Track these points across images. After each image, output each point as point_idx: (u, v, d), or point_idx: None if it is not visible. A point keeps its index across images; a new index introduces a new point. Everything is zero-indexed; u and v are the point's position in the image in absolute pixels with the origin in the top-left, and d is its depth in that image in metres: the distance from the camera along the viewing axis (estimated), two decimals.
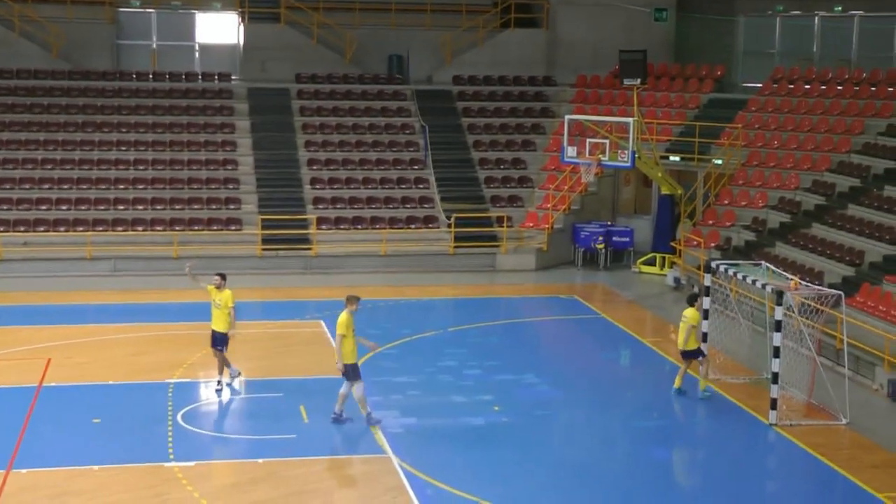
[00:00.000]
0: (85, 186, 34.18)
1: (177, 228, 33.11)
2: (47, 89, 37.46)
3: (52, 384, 21.55)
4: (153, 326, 26.40)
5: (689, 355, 21.43)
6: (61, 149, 35.37)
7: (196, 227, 33.35)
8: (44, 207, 33.24)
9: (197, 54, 41.90)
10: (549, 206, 34.83)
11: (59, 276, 30.99)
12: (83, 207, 33.46)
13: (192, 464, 17.44)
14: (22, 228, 32.36)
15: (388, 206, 35.13)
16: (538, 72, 41.23)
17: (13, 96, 36.94)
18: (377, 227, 34.21)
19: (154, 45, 41.49)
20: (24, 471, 16.97)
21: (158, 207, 33.93)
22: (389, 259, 33.18)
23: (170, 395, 20.84)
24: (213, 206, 34.36)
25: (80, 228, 32.62)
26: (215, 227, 33.53)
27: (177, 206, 34.08)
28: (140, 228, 33.07)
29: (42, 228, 32.53)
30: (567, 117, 34.48)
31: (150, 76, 39.25)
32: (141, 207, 33.79)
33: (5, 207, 32.97)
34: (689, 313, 21.22)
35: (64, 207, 33.34)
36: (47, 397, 20.77)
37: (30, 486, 16.47)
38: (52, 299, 29.20)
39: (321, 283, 31.22)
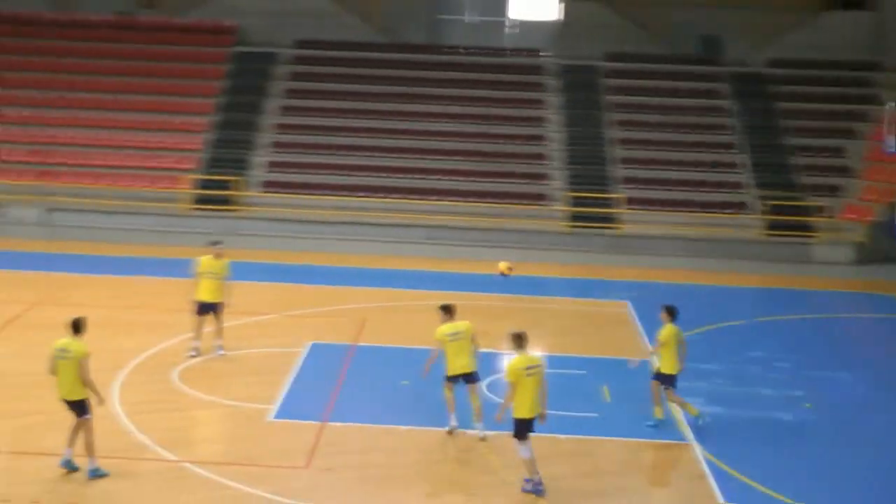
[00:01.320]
0: (402, 156, 35.25)
1: (488, 201, 33.66)
2: (369, 61, 38.80)
3: (366, 344, 22.40)
4: (463, 295, 26.95)
5: None
6: (381, 118, 36.58)
7: (506, 201, 33.81)
8: (363, 174, 34.50)
9: (509, 30, 42.40)
10: (871, 198, 33.27)
11: (375, 241, 32.17)
12: (399, 176, 34.52)
13: (493, 433, 17.65)
14: (343, 193, 33.72)
15: (698, 189, 34.51)
16: (862, 56, 39.40)
17: (339, 67, 38.47)
18: (685, 209, 33.68)
19: (470, 20, 42.25)
20: (337, 424, 17.68)
21: (472, 179, 34.56)
22: (696, 243, 32.59)
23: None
24: (523, 181, 34.73)
25: (396, 196, 33.70)
26: (524, 202, 33.88)
27: (489, 180, 34.63)
28: (453, 199, 33.80)
29: (362, 194, 33.78)
30: (890, 104, 32.80)
31: (465, 50, 40.00)
32: (455, 178, 34.52)
33: (328, 173, 34.44)
34: None
35: (382, 175, 34.49)
36: (361, 356, 21.60)
37: (341, 438, 17.14)
38: (369, 263, 30.45)
39: (626, 264, 31.06)
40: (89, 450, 15.25)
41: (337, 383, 19.79)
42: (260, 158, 34.86)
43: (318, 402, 18.65)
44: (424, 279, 29.07)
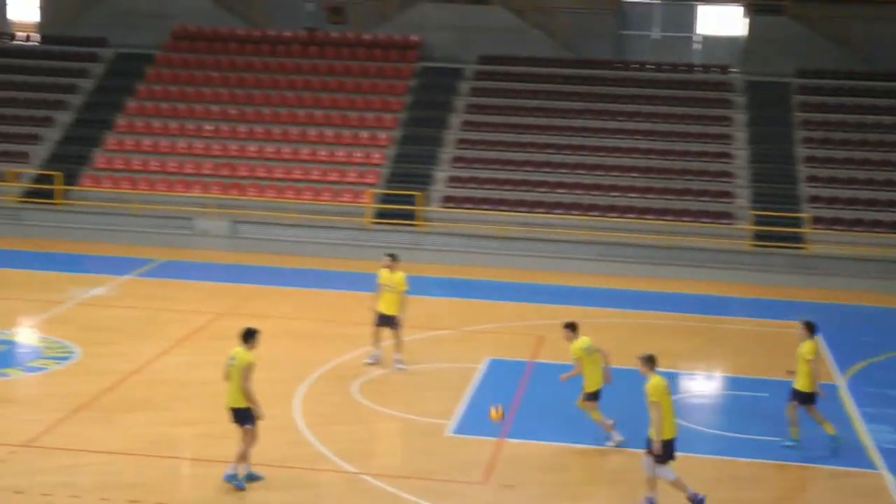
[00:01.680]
0: (581, 172, 35.10)
1: (667, 218, 33.25)
2: (551, 77, 38.79)
3: (544, 361, 22.34)
4: (641, 314, 26.74)
5: None
6: (561, 134, 36.49)
7: (685, 219, 33.31)
8: (543, 190, 34.46)
9: (697, 46, 41.83)
10: None
11: (553, 257, 32.14)
12: (578, 192, 34.38)
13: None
14: (522, 209, 33.76)
15: (888, 209, 33.36)
16: None
17: (521, 82, 38.57)
18: (875, 230, 32.59)
19: (655, 36, 41.86)
20: (515, 441, 17.67)
21: (650, 196, 34.20)
22: (886, 265, 31.47)
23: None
24: (705, 199, 34.15)
25: (575, 212, 33.57)
26: (704, 220, 33.32)
27: (668, 196, 34.20)
28: (631, 216, 33.48)
29: (540, 210, 33.76)
30: None
31: (650, 66, 39.66)
32: (633, 195, 34.21)
33: (508, 188, 34.53)
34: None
35: (561, 191, 34.40)
36: (539, 373, 21.55)
37: (520, 456, 17.12)
38: (546, 279, 30.44)
39: (812, 284, 30.22)
40: (241, 457, 15.49)
41: (514, 400, 19.78)
42: (442, 173, 35.19)
43: None
44: (601, 297, 28.88)
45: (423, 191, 33.95)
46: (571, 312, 26.55)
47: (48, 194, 34.11)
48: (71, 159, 35.62)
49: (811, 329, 17.56)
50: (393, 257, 21.42)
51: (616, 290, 29.64)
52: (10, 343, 22.33)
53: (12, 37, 41.60)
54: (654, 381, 15.02)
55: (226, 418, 17.91)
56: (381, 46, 40.04)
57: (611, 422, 17.66)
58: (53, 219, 33.66)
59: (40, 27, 42.45)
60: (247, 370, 15.44)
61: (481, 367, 21.54)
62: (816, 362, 17.54)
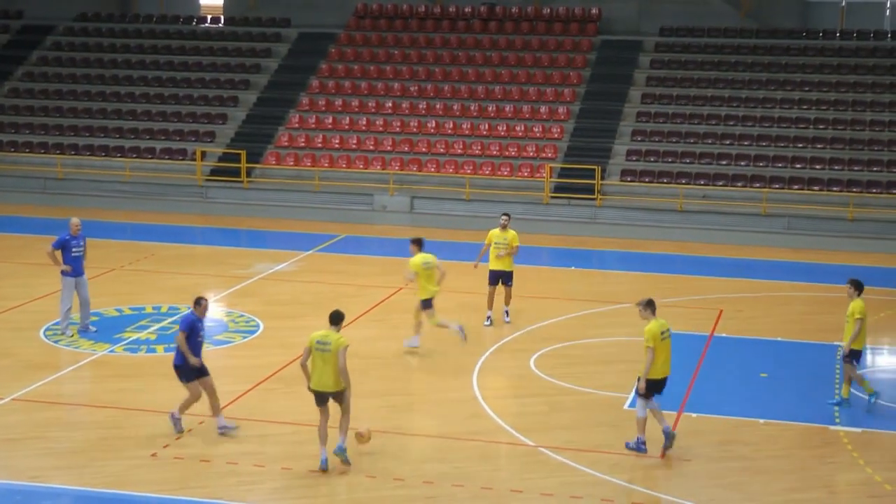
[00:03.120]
0: (764, 143, 34.21)
1: (854, 190, 32.13)
2: (735, 47, 37.86)
3: (723, 335, 21.89)
4: (826, 287, 25.99)
5: None
6: (744, 106, 35.62)
7: (874, 190, 32.14)
8: (724, 162, 33.73)
9: (888, 12, 40.21)
10: None
11: (733, 230, 31.46)
12: (761, 164, 33.52)
13: (858, 430, 16.86)
14: (702, 182, 33.11)
15: None
16: None
17: (702, 54, 37.78)
18: None
19: (843, 4, 40.40)
20: (693, 415, 17.37)
21: (836, 168, 33.10)
22: None
23: (837, 357, 20.26)
24: (895, 169, 32.89)
25: (757, 185, 32.76)
26: (894, 191, 32.09)
27: (855, 168, 33.05)
28: (816, 188, 32.48)
29: (721, 183, 33.05)
30: None
31: (837, 35, 38.32)
32: (818, 167, 33.17)
33: (687, 161, 33.92)
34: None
35: (742, 163, 33.60)
36: (717, 347, 21.13)
37: (698, 430, 16.83)
38: (726, 252, 29.84)
39: None
40: (345, 430, 15.27)
41: (693, 374, 19.44)
42: (620, 147, 34.77)
43: (674, 391, 18.32)
44: (783, 270, 28.19)
45: (601, 165, 33.61)
46: (754, 286, 26.08)
47: (233, 172, 35.04)
48: (255, 138, 36.52)
49: (859, 288, 17.64)
50: (508, 216, 22.15)
51: (800, 264, 28.92)
52: None
53: (201, 20, 42.82)
54: (650, 326, 15.75)
55: (412, 391, 18.25)
56: (560, 20, 39.77)
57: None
58: (238, 196, 34.59)
59: (227, 9, 43.56)
60: (343, 352, 15.21)
61: None
62: (865, 321, 17.45)
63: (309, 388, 15.37)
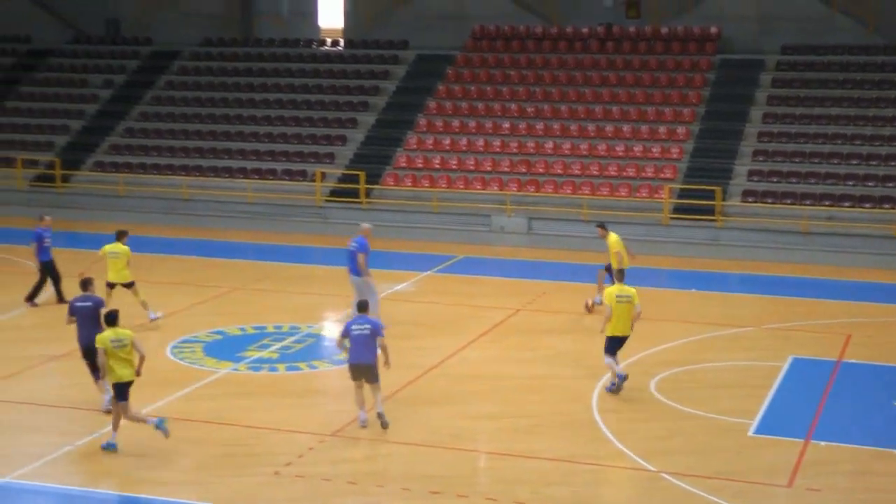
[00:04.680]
0: (893, 163, 33.34)
1: None
2: (861, 65, 37.05)
3: (852, 361, 21.34)
4: None
5: None
6: (871, 125, 34.79)
7: None
8: (850, 183, 32.96)
9: None
10: None
11: (861, 252, 30.74)
12: (890, 185, 32.67)
13: None
14: (827, 202, 32.40)
15: None
16: None
17: (826, 72, 37.06)
18: None
19: None
20: (822, 443, 16.94)
21: None
22: None
23: None
24: None
25: (887, 206, 31.94)
26: None
27: None
28: None
29: (847, 204, 32.30)
30: None
31: None
32: None
33: (812, 181, 33.24)
34: None
35: (870, 184, 32.79)
36: (846, 373, 20.60)
37: (828, 459, 16.40)
38: (853, 275, 29.17)
39: None
40: None
41: (821, 400, 18.98)
42: (742, 167, 34.23)
43: (800, 418, 17.99)
44: None
45: (722, 185, 33.12)
46: (883, 311, 25.41)
47: (352, 193, 35.35)
48: (374, 159, 36.83)
49: None
50: (603, 226, 24.75)
51: None
52: (318, 337, 23.22)
53: (321, 42, 43.41)
54: (608, 290, 19.12)
55: (530, 413, 18.20)
56: (678, 39, 39.37)
57: None
58: (357, 217, 34.75)
59: (346, 32, 44.09)
60: (138, 342, 16.69)
61: (784, 366, 20.78)
62: None
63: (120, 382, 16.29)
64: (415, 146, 37.09)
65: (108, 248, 23.27)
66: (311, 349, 22.23)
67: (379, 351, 17.25)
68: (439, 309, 25.24)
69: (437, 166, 36.11)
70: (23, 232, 34.23)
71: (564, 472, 15.86)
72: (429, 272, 29.04)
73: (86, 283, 18.52)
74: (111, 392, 16.71)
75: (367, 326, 17.27)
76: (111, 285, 23.06)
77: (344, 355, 17.87)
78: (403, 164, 36.41)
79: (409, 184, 35.58)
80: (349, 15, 44.06)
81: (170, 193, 36.73)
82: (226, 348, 21.68)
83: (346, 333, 17.34)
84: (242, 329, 23.03)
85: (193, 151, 38.56)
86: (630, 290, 19.03)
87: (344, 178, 36.16)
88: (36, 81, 43.39)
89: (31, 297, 24.76)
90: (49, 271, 24.76)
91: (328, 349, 22.40)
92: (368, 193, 35.42)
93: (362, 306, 17.72)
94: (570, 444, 16.90)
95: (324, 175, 36.27)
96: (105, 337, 16.27)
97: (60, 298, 24.37)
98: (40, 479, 15.57)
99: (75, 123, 40.98)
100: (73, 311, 18.13)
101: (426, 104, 38.58)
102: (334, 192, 35.87)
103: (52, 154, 39.43)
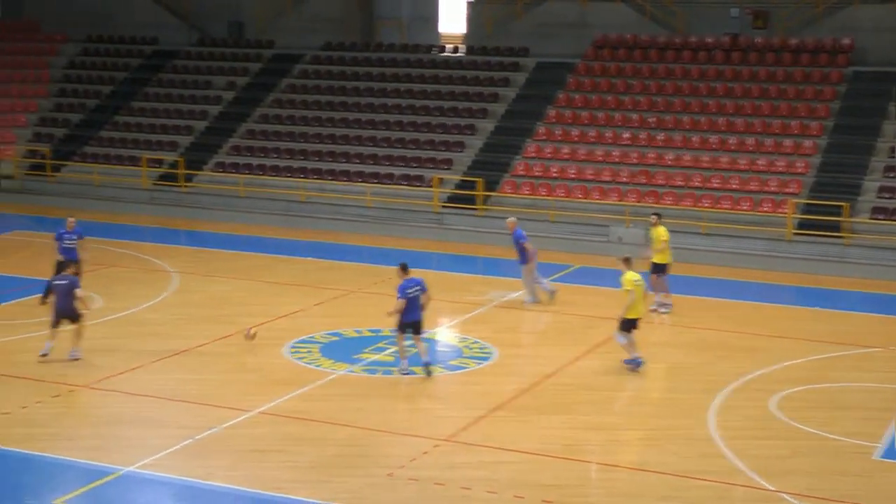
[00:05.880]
0: None
1: None
2: None
3: None
4: None
5: None
6: None
7: None
8: None
9: None
10: None
11: None
12: None
13: None
14: None
15: None
16: None
17: None
18: None
19: None
20: None
21: None
22: None
23: None
24: None
25: None
26: None
27: None
28: None
29: None
30: None
31: None
32: None
33: None
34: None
35: None
36: None
37: None
38: None
39: None
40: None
41: None
42: (872, 183, 33.37)
43: None
44: None
45: (850, 201, 32.34)
46: None
47: (469, 200, 35.35)
48: (492, 166, 36.78)
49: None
50: (658, 216, 25.93)
51: None
52: (433, 342, 23.23)
53: (441, 49, 43.55)
54: (627, 276, 20.72)
55: (641, 426, 17.99)
56: (808, 51, 38.53)
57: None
58: (473, 223, 34.86)
59: (467, 38, 44.19)
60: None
61: None
62: None
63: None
64: (533, 154, 36.95)
65: None
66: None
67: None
68: (554, 318, 25.09)
69: (556, 175, 35.93)
70: (147, 230, 35.08)
71: (677, 487, 15.62)
72: (545, 281, 28.85)
73: (62, 266, 22.17)
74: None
75: (418, 288, 20.36)
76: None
77: (395, 317, 20.22)
78: (521, 172, 36.30)
79: (527, 192, 35.45)
80: (470, 21, 44.12)
81: (288, 195, 37.13)
82: (342, 350, 21.82)
83: (403, 296, 20.05)
84: (359, 332, 23.15)
85: (312, 154, 38.96)
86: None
87: (461, 185, 36.17)
88: (161, 82, 44.28)
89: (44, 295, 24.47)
90: (57, 268, 23.75)
91: (443, 354, 22.42)
92: (485, 200, 35.38)
93: (406, 267, 20.54)
94: (685, 459, 16.63)
95: (441, 181, 36.34)
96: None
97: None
98: (161, 470, 15.86)
99: (199, 124, 41.71)
100: (52, 288, 20.84)
101: (546, 112, 38.42)
102: (451, 199, 35.90)
103: (176, 154, 40.18)
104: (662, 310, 25.37)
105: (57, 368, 20.24)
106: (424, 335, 20.86)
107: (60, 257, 24.13)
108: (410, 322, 20.28)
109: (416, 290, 20.33)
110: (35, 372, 20.06)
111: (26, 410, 18.14)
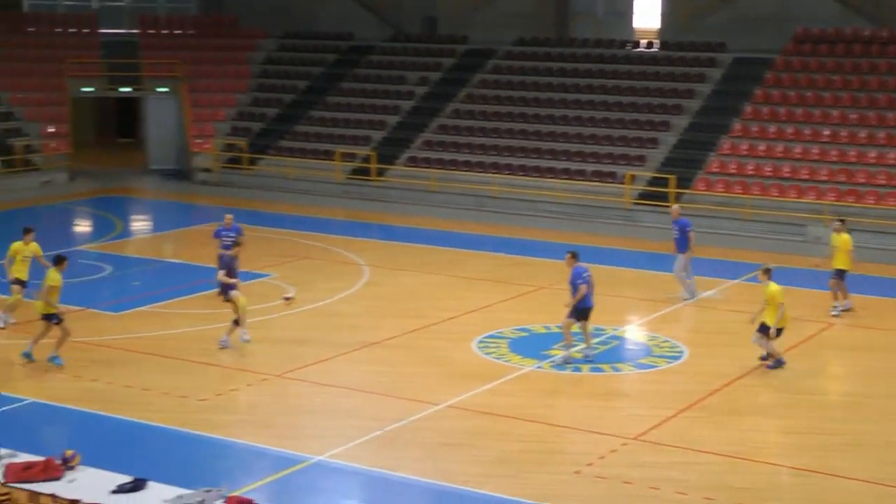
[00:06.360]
0: None
1: None
2: None
3: None
4: None
5: None
6: None
7: None
8: None
9: None
10: None
11: None
12: None
13: None
14: None
15: None
16: None
17: None
18: None
19: None
20: None
21: None
22: None
23: None
24: None
25: None
26: None
27: None
28: None
29: None
30: None
31: None
32: None
33: None
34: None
35: None
36: None
37: None
38: None
39: None
40: None
41: None
42: None
43: None
44: None
45: None
46: None
47: (662, 197, 34.84)
48: (685, 163, 36.18)
49: None
50: (842, 222, 25.10)
51: None
52: (622, 339, 23.03)
53: (636, 44, 43.07)
54: (773, 288, 20.21)
55: (840, 430, 17.45)
56: None
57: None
58: (665, 221, 34.19)
59: (661, 33, 43.58)
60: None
61: None
62: None
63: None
64: (728, 151, 36.18)
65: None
66: (614, 351, 22.07)
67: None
68: (745, 318, 24.47)
69: (751, 172, 35.10)
70: (339, 223, 35.79)
71: (878, 495, 15.10)
72: (738, 280, 28.22)
73: (223, 262, 21.99)
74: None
75: (589, 274, 20.68)
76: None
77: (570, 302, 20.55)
78: (716, 169, 35.59)
79: (721, 189, 34.74)
80: (665, 15, 43.52)
81: (480, 191, 37.32)
82: (531, 346, 21.80)
83: (584, 281, 20.39)
84: (547, 328, 23.08)
85: (504, 150, 39.05)
86: None
87: (654, 182, 35.71)
88: (356, 77, 45.08)
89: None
90: (219, 263, 23.95)
91: (632, 352, 22.18)
92: (678, 198, 34.82)
93: (577, 255, 20.83)
94: (886, 466, 16.06)
95: (633, 177, 35.95)
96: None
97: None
98: (351, 460, 16.12)
99: (391, 119, 42.31)
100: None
101: (742, 108, 37.57)
102: (643, 195, 35.47)
103: (369, 148, 40.84)
104: (835, 312, 24.64)
105: (250, 358, 20.83)
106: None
107: (221, 251, 23.96)
108: (585, 308, 20.65)
109: (589, 277, 20.70)
110: (228, 360, 20.69)
111: (221, 398, 18.71)
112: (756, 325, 20.49)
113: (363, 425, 17.36)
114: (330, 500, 15.36)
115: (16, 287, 22.50)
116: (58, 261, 19.94)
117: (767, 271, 20.68)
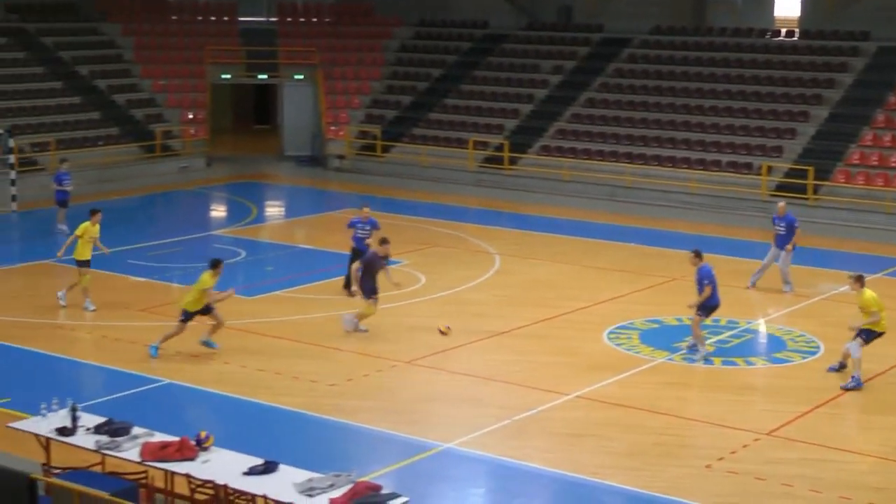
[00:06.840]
0: None
1: None
2: None
3: None
4: None
5: None
6: None
7: None
8: None
9: None
10: None
11: None
12: None
13: None
14: None
15: None
16: None
17: None
18: None
19: None
20: None
21: None
22: None
23: None
24: None
25: None
26: None
27: None
28: None
29: None
30: None
31: None
32: None
33: None
34: None
35: None
36: None
37: None
38: None
39: None
40: None
41: None
42: None
43: None
44: None
45: None
46: None
47: (799, 189, 34.05)
48: (824, 154, 35.30)
49: None
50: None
51: None
52: (755, 332, 22.61)
53: (776, 33, 42.16)
54: (869, 295, 19.26)
55: None
56: None
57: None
58: (804, 213, 33.52)
59: (802, 21, 42.57)
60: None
61: None
62: None
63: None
64: (870, 142, 35.19)
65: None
66: (748, 345, 21.69)
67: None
68: (889, 315, 23.76)
69: (894, 164, 34.09)
70: (471, 211, 35.83)
71: None
72: (878, 274, 27.42)
73: (356, 255, 22.72)
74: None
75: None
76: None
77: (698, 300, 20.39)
78: (856, 161, 34.65)
79: (861, 181, 33.83)
80: (806, 3, 42.49)
81: (613, 180, 36.98)
82: (662, 337, 21.55)
83: (711, 282, 20.22)
84: (679, 320, 22.74)
85: (638, 139, 38.61)
86: None
87: (791, 173, 34.92)
88: (490, 66, 45.02)
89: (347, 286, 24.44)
90: (352, 258, 23.85)
91: (766, 346, 21.75)
92: (816, 190, 34.02)
93: (700, 253, 20.80)
94: None
95: (770, 169, 35.21)
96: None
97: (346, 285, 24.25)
98: (479, 448, 16.16)
99: (525, 108, 42.16)
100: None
101: (886, 99, 36.47)
102: (780, 187, 34.70)
103: (502, 137, 40.76)
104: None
105: (380, 344, 20.98)
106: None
107: (354, 244, 24.16)
108: (715, 305, 20.53)
109: (714, 276, 20.60)
110: (358, 346, 20.86)
111: (352, 383, 18.89)
112: (854, 333, 19.45)
113: (492, 414, 17.37)
114: (458, 487, 15.40)
115: (84, 269, 22.97)
116: (213, 265, 19.94)
117: (859, 278, 19.59)
